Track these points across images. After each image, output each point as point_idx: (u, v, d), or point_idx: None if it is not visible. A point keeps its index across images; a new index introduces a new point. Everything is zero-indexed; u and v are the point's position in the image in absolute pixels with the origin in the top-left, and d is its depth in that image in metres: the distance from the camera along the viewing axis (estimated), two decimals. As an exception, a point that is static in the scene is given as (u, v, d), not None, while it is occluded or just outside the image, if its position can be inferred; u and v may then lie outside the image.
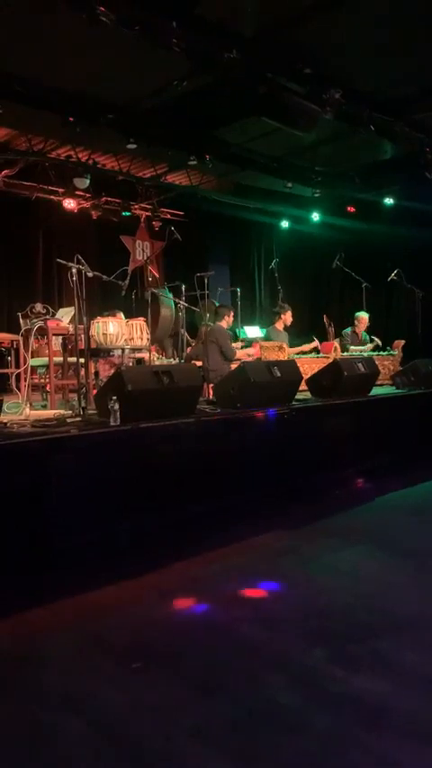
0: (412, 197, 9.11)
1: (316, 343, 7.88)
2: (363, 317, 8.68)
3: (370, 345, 8.45)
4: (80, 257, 5.19)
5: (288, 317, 7.86)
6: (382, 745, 2.12)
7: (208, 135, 7.34)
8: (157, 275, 10.86)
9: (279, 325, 7.90)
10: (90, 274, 5.28)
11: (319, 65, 5.56)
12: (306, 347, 7.83)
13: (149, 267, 10.54)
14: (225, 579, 3.66)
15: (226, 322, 7.12)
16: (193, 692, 2.48)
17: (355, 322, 8.73)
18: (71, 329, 5.74)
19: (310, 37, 5.16)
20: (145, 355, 6.89)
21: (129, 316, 6.83)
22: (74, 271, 4.94)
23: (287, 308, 7.97)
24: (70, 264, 5.02)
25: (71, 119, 6.35)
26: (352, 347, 8.13)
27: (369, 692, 2.43)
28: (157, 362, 6.93)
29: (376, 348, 8.44)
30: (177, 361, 7.28)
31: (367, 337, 8.70)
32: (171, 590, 3.51)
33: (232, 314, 7.33)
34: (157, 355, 7.69)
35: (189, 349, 7.66)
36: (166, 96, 6.21)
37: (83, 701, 2.43)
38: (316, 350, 7.85)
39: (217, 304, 8.28)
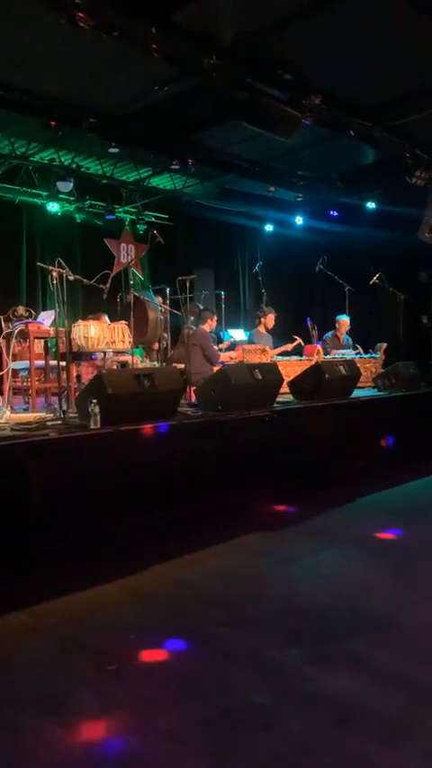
0: (394, 201, 9.20)
1: (299, 340, 7.93)
2: (343, 320, 8.75)
3: (351, 352, 8.50)
4: (61, 261, 5.20)
5: (270, 320, 7.90)
6: (353, 744, 2.14)
7: (190, 139, 7.38)
8: (143, 278, 10.87)
9: (261, 329, 7.94)
10: (71, 278, 5.29)
11: (298, 71, 5.61)
12: (288, 346, 7.88)
13: (136, 270, 10.55)
14: (205, 581, 3.67)
15: (209, 325, 7.15)
16: (166, 693, 2.49)
17: (336, 325, 8.80)
18: (53, 332, 5.74)
19: (289, 43, 5.21)
20: (128, 358, 6.90)
21: (114, 319, 6.84)
22: (54, 274, 4.94)
23: (268, 310, 8.02)
24: (51, 268, 5.03)
25: (53, 123, 6.36)
26: (333, 351, 8.18)
27: (342, 692, 2.46)
28: (141, 365, 6.94)
29: (354, 350, 8.50)
30: (160, 364, 7.29)
31: (350, 340, 8.76)
32: (150, 592, 3.52)
33: (215, 317, 7.36)
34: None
35: (172, 352, 7.68)
36: (148, 101, 6.24)
37: (58, 703, 2.43)
38: (298, 347, 7.90)
39: (201, 307, 8.31)
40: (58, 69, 5.69)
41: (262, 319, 7.94)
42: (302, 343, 7.94)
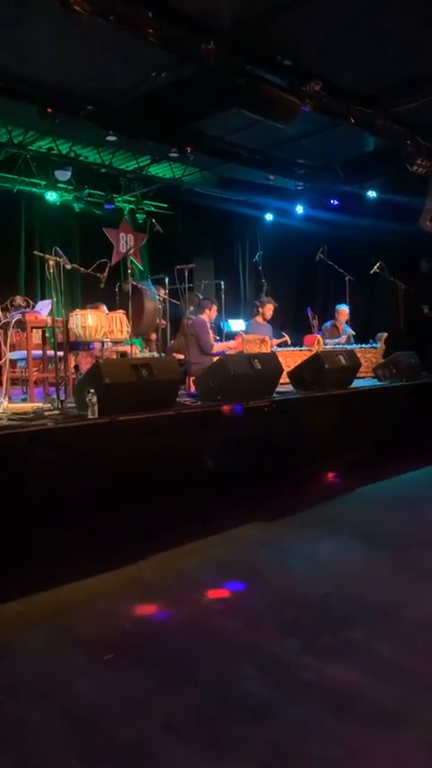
0: (395, 190, 9.12)
1: (286, 337, 7.90)
2: (343, 309, 8.71)
3: (343, 338, 8.47)
4: (59, 249, 5.16)
5: (268, 310, 7.85)
6: (351, 733, 2.13)
7: (188, 127, 7.31)
8: (142, 267, 10.83)
9: (259, 319, 7.90)
10: (69, 266, 5.25)
11: (298, 57, 5.54)
12: (275, 341, 7.85)
13: (135, 259, 10.50)
14: (203, 571, 3.67)
15: (208, 315, 7.10)
16: (164, 683, 2.48)
17: (336, 315, 8.76)
18: (50, 322, 5.71)
19: (288, 29, 5.14)
20: (127, 348, 6.87)
21: (113, 308, 6.80)
22: (51, 263, 4.91)
23: (266, 300, 7.97)
24: (48, 257, 4.99)
25: (50, 110, 6.29)
26: (328, 341, 8.14)
27: (340, 681, 2.45)
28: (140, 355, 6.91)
29: (349, 340, 8.47)
30: (159, 354, 7.26)
31: (349, 329, 8.73)
32: (148, 583, 3.52)
33: (215, 307, 7.31)
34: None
35: (171, 342, 7.65)
36: (146, 88, 6.17)
37: (54, 693, 2.43)
38: (285, 344, 7.87)
39: (200, 297, 8.26)
40: (55, 57, 5.62)
41: (260, 309, 7.90)
42: (289, 342, 7.91)
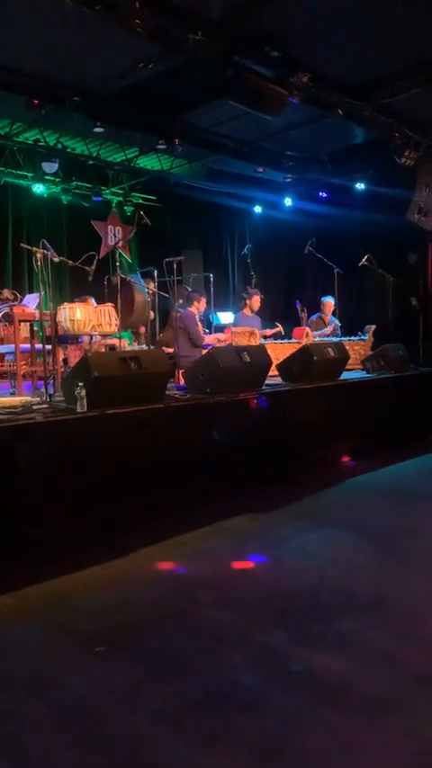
0: (383, 182, 9.13)
1: (279, 328, 7.91)
2: (328, 301, 8.73)
3: (328, 329, 8.48)
4: (46, 242, 5.13)
5: (255, 302, 7.85)
6: (340, 722, 2.16)
7: (176, 119, 7.26)
8: (131, 260, 10.78)
9: (247, 311, 7.89)
10: (56, 259, 5.23)
11: (286, 48, 5.51)
12: (268, 332, 7.85)
13: (124, 252, 10.45)
14: (194, 563, 3.68)
15: (196, 308, 7.09)
16: (154, 674, 2.50)
17: (321, 307, 8.78)
18: (38, 315, 5.67)
19: (276, 20, 5.11)
20: (116, 341, 6.85)
21: (101, 301, 6.78)
22: (38, 256, 4.88)
23: (253, 292, 7.96)
24: (35, 249, 4.96)
25: (36, 101, 6.23)
26: (315, 333, 8.16)
27: (329, 671, 2.47)
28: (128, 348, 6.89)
29: (335, 331, 8.49)
30: (148, 347, 7.24)
31: (336, 321, 8.75)
32: (139, 575, 3.53)
33: (204, 300, 7.30)
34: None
35: (160, 335, 7.64)
36: (133, 79, 6.11)
37: (46, 686, 2.43)
38: (279, 335, 7.88)
39: (189, 289, 8.25)
40: (41, 47, 5.56)
41: (247, 301, 7.89)
42: (282, 332, 7.91)
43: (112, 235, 10.50)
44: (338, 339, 7.93)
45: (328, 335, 8.32)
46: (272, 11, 4.99)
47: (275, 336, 7.87)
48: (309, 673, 2.47)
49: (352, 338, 8.32)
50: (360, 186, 9.60)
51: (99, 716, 2.23)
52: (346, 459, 6.10)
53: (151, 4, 4.55)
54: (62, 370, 5.86)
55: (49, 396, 4.87)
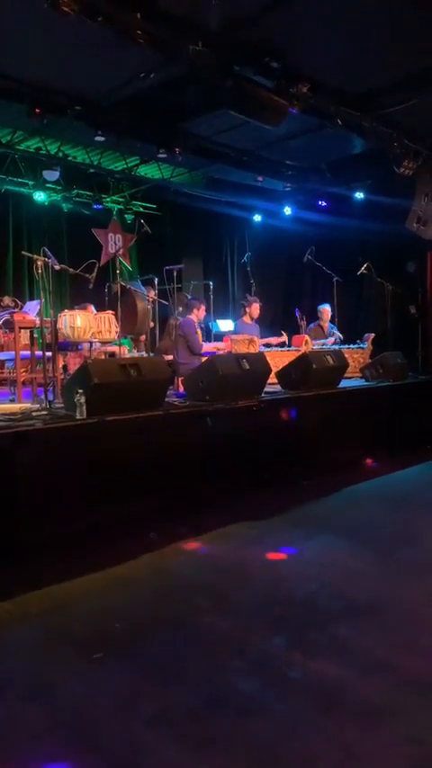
0: (382, 191, 9.18)
1: (284, 337, 7.93)
2: (325, 309, 8.76)
3: (331, 339, 8.51)
4: (47, 250, 5.16)
5: (254, 310, 7.87)
6: (336, 728, 2.16)
7: (177, 128, 7.30)
8: (131, 268, 10.82)
9: (246, 319, 7.92)
10: (57, 267, 5.25)
11: (285, 59, 5.56)
12: (273, 340, 7.87)
13: (124, 259, 10.49)
14: (191, 569, 3.69)
15: (196, 315, 7.12)
16: (152, 680, 2.50)
17: (319, 315, 8.81)
18: (39, 322, 5.70)
19: (276, 31, 5.16)
20: (116, 349, 6.87)
21: (101, 309, 6.80)
22: (39, 263, 4.91)
23: (252, 300, 7.98)
24: (36, 257, 4.99)
25: (38, 110, 6.27)
26: (313, 341, 8.18)
27: (326, 677, 2.48)
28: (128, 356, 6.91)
29: (336, 342, 8.50)
30: (148, 354, 7.26)
31: (334, 329, 8.77)
32: (137, 581, 3.53)
33: (203, 307, 7.33)
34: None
35: (160, 342, 7.66)
36: (134, 89, 6.15)
37: (44, 691, 2.44)
38: (284, 343, 7.90)
39: (189, 297, 8.28)
40: (43, 56, 5.60)
41: (246, 309, 7.92)
42: (286, 341, 7.93)
43: (113, 243, 10.55)
44: (338, 347, 7.96)
45: (330, 346, 8.33)
46: (271, 22, 5.03)
47: (281, 345, 7.88)
48: (307, 679, 2.48)
49: (351, 346, 8.34)
50: (359, 195, 9.65)
51: (97, 721, 2.23)
52: (344, 466, 6.10)
53: (152, 15, 4.60)
54: (62, 377, 5.88)
55: (49, 402, 4.88)
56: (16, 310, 6.45)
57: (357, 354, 8.21)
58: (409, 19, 5.08)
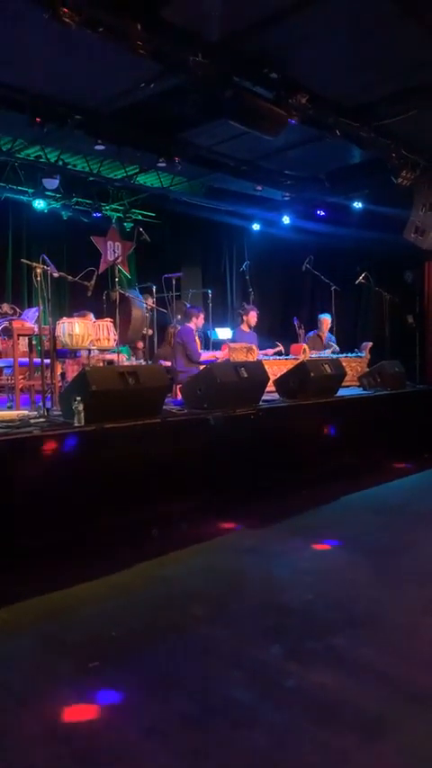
0: (380, 201, 9.23)
1: (280, 347, 7.95)
2: (324, 319, 8.79)
3: (327, 351, 8.52)
4: (46, 257, 5.17)
5: (252, 318, 7.89)
6: (332, 738, 2.15)
7: (176, 137, 7.35)
8: (129, 276, 10.85)
9: (244, 327, 7.93)
10: (56, 275, 5.27)
11: (285, 70, 5.60)
12: (270, 351, 7.89)
13: (123, 267, 10.52)
14: (189, 577, 3.68)
15: (194, 323, 7.14)
16: (148, 689, 2.49)
17: (318, 324, 8.84)
18: (37, 329, 5.71)
19: (276, 42, 5.20)
20: (114, 356, 6.88)
21: (100, 316, 6.82)
22: (38, 271, 4.92)
23: (249, 308, 8.01)
24: (35, 264, 5.00)
25: (38, 119, 6.30)
26: (312, 351, 8.19)
27: (323, 687, 2.47)
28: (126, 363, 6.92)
29: (334, 353, 8.52)
30: (146, 362, 7.27)
31: (333, 339, 8.79)
32: (134, 589, 3.52)
33: (202, 315, 7.35)
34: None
35: (158, 350, 7.67)
36: (134, 98, 6.20)
37: (38, 700, 2.43)
38: (280, 353, 7.91)
39: (188, 305, 8.31)
40: (44, 65, 5.64)
41: (244, 317, 7.94)
42: (283, 351, 7.95)
43: (112, 250, 10.59)
44: (336, 356, 7.97)
45: (326, 355, 8.35)
46: (271, 34, 5.08)
47: (278, 354, 7.90)
48: (302, 689, 2.47)
49: (349, 355, 8.36)
50: (357, 205, 9.70)
51: (92, 731, 2.22)
52: (342, 475, 6.10)
53: (153, 26, 4.63)
54: (60, 384, 5.88)
55: (47, 410, 4.88)
56: (15, 317, 6.47)
57: (355, 363, 8.23)
58: (407, 33, 5.12)
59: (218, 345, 8.42)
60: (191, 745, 2.13)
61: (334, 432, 5.73)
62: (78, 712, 2.34)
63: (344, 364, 7.05)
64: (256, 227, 11.29)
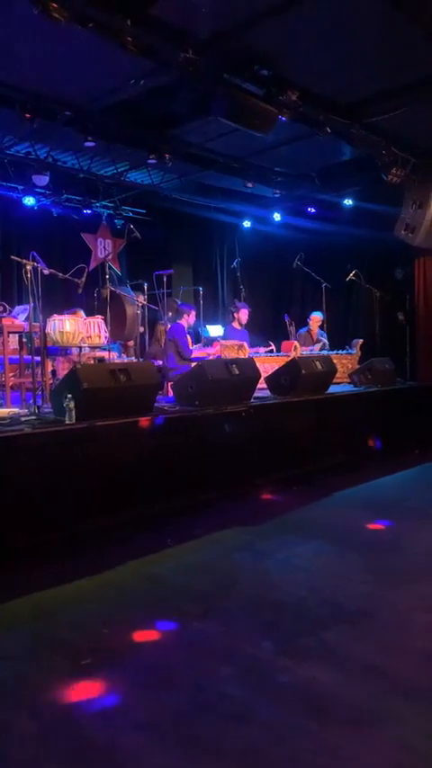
0: (371, 198, 9.25)
1: (272, 346, 7.97)
2: (315, 317, 8.83)
3: (317, 346, 8.56)
4: (36, 254, 5.15)
5: (243, 316, 7.90)
6: (325, 733, 2.17)
7: (167, 134, 7.32)
8: (120, 273, 10.82)
9: (235, 324, 7.94)
10: (46, 272, 5.24)
11: (275, 67, 5.59)
12: (261, 350, 7.91)
13: (113, 264, 10.49)
14: (180, 576, 3.68)
15: (186, 321, 7.13)
16: (141, 686, 2.49)
17: (309, 322, 8.86)
18: (27, 327, 5.68)
19: (266, 39, 5.19)
20: (105, 354, 6.86)
21: (91, 313, 6.79)
22: (28, 268, 4.90)
23: (240, 306, 8.02)
24: (25, 261, 4.98)
25: (28, 115, 6.26)
26: (301, 348, 8.22)
27: (315, 682, 2.48)
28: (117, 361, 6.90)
29: (323, 348, 8.55)
30: (137, 359, 7.26)
31: (324, 336, 8.83)
32: (126, 586, 3.52)
33: (193, 313, 7.35)
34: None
35: (149, 347, 7.66)
36: (124, 95, 6.17)
37: (32, 698, 2.42)
38: (271, 352, 7.93)
39: (179, 303, 8.30)
40: (33, 61, 5.60)
41: (235, 315, 7.95)
42: (275, 350, 7.97)
43: (102, 247, 10.55)
44: (325, 353, 7.99)
45: (316, 352, 8.39)
46: (262, 30, 5.07)
47: (269, 351, 7.92)
48: (296, 684, 2.48)
49: (339, 352, 8.39)
50: (348, 202, 9.71)
51: (85, 728, 2.22)
52: (333, 471, 6.13)
53: (143, 22, 4.61)
54: (50, 381, 5.86)
55: (38, 407, 4.86)
56: (5, 315, 6.43)
57: (346, 360, 8.26)
58: (398, 30, 5.13)
59: (209, 342, 8.43)
60: (185, 742, 2.14)
61: (325, 428, 5.74)
62: (71, 710, 2.33)
63: (334, 361, 7.08)
64: (246, 224, 11.29)
